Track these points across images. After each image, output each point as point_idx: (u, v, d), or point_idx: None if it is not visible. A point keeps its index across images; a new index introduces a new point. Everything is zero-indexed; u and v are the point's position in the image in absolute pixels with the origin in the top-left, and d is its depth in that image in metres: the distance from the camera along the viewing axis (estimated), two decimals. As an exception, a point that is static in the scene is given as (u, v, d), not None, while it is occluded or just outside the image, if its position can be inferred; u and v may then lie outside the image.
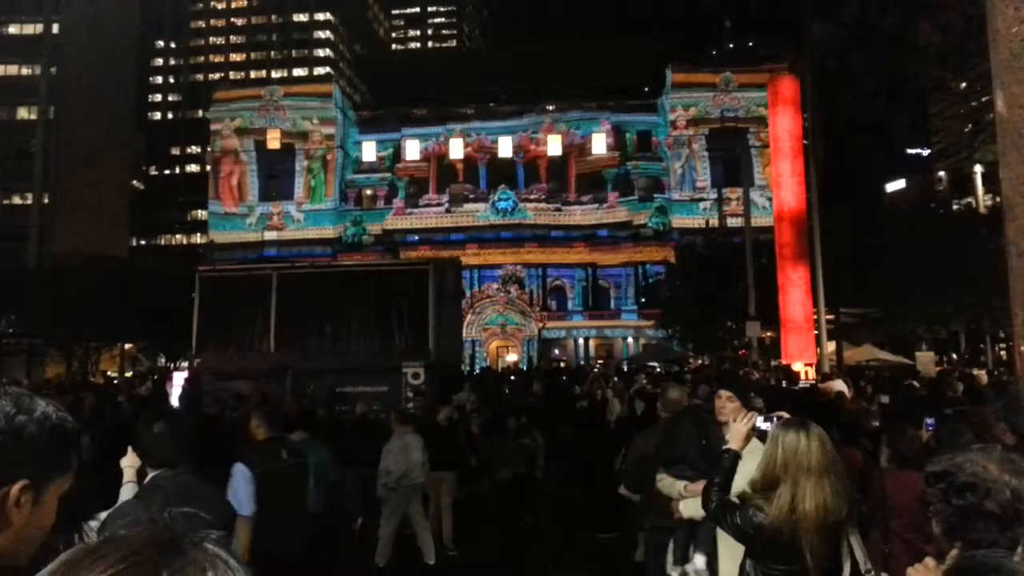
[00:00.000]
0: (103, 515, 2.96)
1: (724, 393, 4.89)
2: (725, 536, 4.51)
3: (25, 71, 76.23)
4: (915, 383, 13.12)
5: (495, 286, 56.16)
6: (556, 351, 56.16)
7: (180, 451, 3.48)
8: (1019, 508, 1.95)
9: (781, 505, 3.14)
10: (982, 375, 20.48)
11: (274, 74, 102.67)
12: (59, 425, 1.31)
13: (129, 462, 3.59)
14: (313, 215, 60.66)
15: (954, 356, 39.92)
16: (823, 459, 3.19)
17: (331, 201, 60.95)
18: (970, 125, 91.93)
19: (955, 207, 49.55)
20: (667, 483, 5.17)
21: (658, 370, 30.97)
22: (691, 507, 4.85)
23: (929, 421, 5.85)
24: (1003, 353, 39.63)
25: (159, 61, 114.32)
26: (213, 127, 62.23)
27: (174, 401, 15.71)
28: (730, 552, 4.42)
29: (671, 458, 5.31)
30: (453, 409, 10.96)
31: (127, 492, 3.53)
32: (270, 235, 59.53)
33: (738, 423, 3.80)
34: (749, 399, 5.05)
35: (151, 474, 3.38)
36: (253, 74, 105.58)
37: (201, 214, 79.39)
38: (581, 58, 62.68)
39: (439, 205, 60.10)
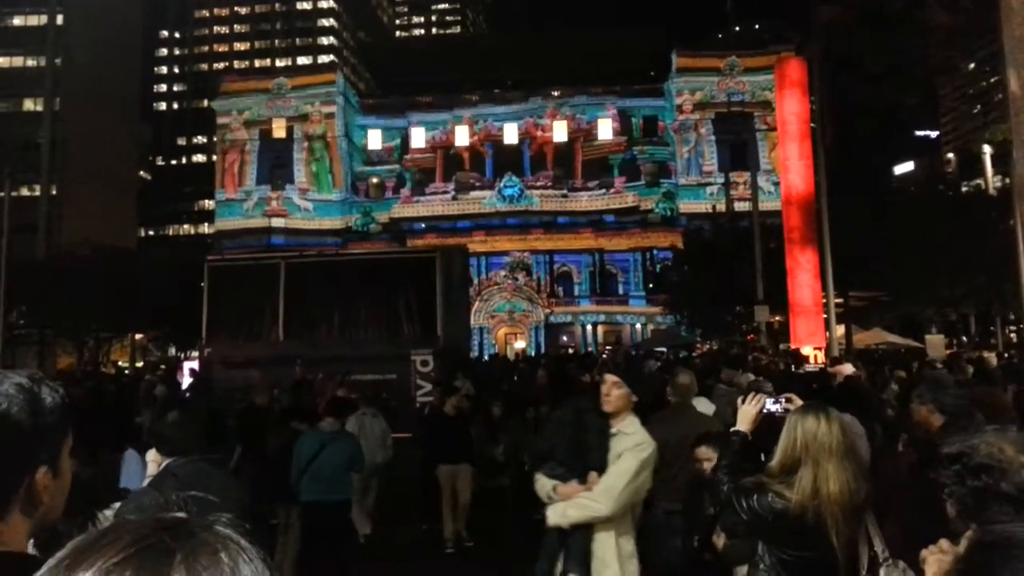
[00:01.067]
0: (117, 504, 2.98)
1: (610, 378, 4.33)
2: (603, 553, 4.07)
3: (30, 63, 76.37)
4: (937, 364, 12.98)
5: (502, 273, 56.18)
6: (564, 338, 56.13)
7: (194, 439, 3.50)
8: None
9: (804, 487, 3.11)
10: (992, 357, 20.41)
11: (278, 62, 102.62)
12: (52, 401, 1.35)
13: (154, 456, 3.63)
14: (323, 206, 60.64)
15: (964, 339, 39.80)
16: (843, 441, 3.18)
17: (340, 192, 60.97)
18: (979, 106, 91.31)
19: (964, 189, 49.24)
20: (540, 483, 4.37)
21: (666, 355, 30.91)
22: (558, 512, 4.16)
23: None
24: (1013, 335, 39.52)
25: (164, 51, 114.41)
26: (221, 120, 62.21)
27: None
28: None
29: (541, 453, 4.59)
30: (462, 398, 10.22)
31: None
32: (278, 223, 59.57)
33: (747, 404, 3.70)
34: (639, 386, 4.48)
35: (164, 462, 3.41)
36: (257, 63, 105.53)
37: (208, 203, 79.61)
38: (586, 44, 62.38)
39: (445, 193, 59.99)
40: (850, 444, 3.22)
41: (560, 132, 59.73)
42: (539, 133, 60.20)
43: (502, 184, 58.83)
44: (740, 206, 39.38)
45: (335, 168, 60.97)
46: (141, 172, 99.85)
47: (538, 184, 59.45)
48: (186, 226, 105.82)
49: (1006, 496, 1.95)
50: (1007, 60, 3.05)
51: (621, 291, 58.18)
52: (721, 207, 41.86)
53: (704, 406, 6.93)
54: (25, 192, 68.05)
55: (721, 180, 48.23)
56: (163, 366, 27.86)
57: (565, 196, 59.06)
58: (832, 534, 3.05)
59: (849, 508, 3.09)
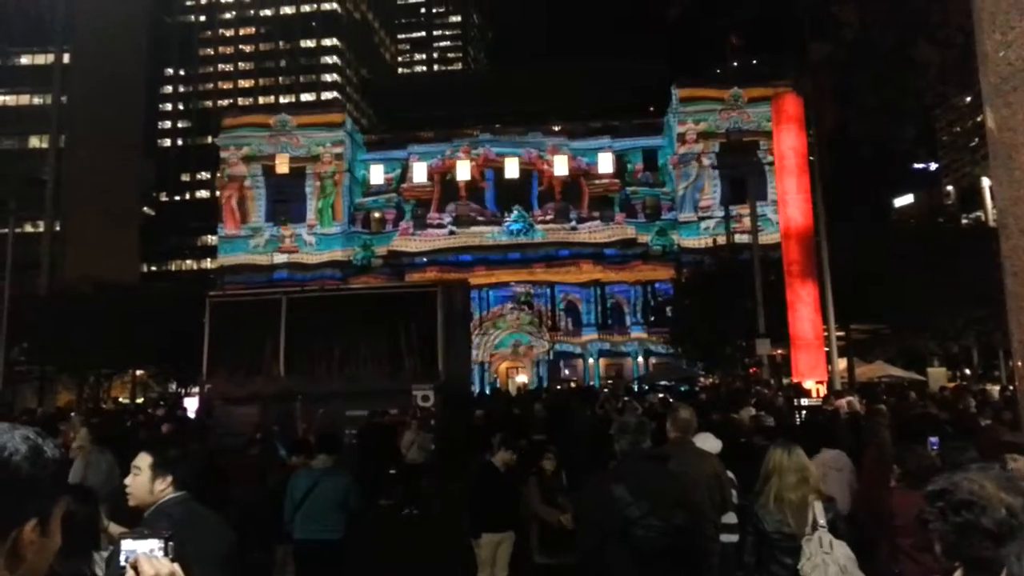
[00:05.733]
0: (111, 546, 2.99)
1: None
2: None
3: (36, 100, 77.29)
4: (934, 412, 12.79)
5: (508, 306, 56.10)
6: (566, 371, 56.00)
7: (188, 479, 3.50)
8: (1014, 525, 1.97)
9: (768, 491, 4.79)
10: (994, 390, 20.36)
11: (282, 99, 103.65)
12: (52, 456, 1.36)
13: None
14: (324, 239, 60.73)
15: (967, 371, 39.62)
16: (799, 464, 4.82)
17: (340, 224, 61.03)
18: (976, 139, 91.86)
19: (964, 221, 49.33)
20: None
21: (662, 395, 30.74)
22: None
23: (933, 440, 5.83)
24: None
25: (168, 88, 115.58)
26: (223, 155, 62.58)
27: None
28: None
29: None
30: (512, 454, 7.90)
31: None
32: (280, 258, 59.60)
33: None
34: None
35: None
36: (262, 100, 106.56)
37: (211, 239, 79.88)
38: (585, 79, 62.95)
39: (442, 226, 59.87)
40: (803, 466, 4.81)
41: (561, 167, 59.93)
42: (543, 167, 60.32)
43: (510, 220, 58.85)
44: (743, 238, 39.36)
45: (337, 201, 61.18)
46: (145, 208, 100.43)
47: (546, 218, 59.45)
48: (189, 261, 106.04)
49: (986, 532, 1.98)
50: (984, 102, 3.13)
51: (623, 324, 58.07)
52: (721, 241, 41.92)
53: (711, 443, 6.83)
54: (29, 228, 68.47)
55: (720, 214, 48.29)
56: (162, 402, 27.79)
57: (574, 229, 58.88)
58: (788, 516, 4.66)
59: (796, 503, 4.68)
